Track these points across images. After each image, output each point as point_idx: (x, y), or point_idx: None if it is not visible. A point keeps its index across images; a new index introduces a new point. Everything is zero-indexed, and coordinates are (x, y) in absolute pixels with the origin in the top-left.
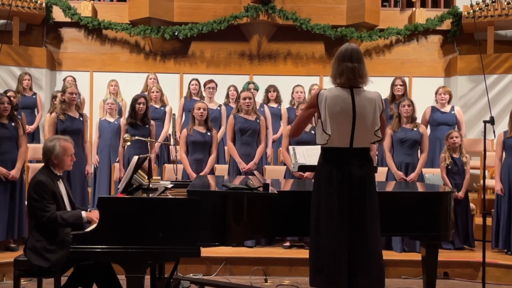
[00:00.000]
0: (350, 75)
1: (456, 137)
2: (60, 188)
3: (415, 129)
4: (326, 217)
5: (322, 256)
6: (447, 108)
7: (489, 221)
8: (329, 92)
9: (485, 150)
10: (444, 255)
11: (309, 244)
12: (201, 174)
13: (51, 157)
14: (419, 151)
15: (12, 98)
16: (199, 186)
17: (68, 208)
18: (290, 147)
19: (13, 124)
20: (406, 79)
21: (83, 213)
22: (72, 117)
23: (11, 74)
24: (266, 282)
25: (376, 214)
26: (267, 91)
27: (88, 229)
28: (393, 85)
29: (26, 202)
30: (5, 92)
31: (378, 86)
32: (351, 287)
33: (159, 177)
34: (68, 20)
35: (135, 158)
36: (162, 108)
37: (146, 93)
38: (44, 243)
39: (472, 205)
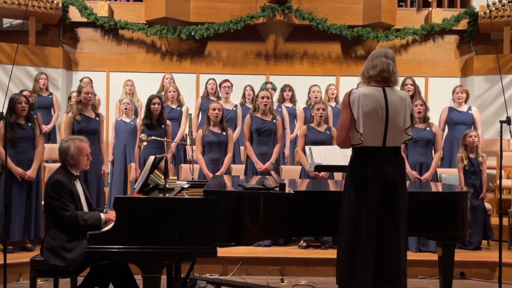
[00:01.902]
0: (385, 67)
1: (475, 136)
2: (77, 188)
3: (427, 128)
4: (357, 217)
5: (351, 257)
6: (464, 108)
7: (505, 221)
8: (361, 91)
9: (501, 150)
10: (461, 255)
11: (338, 244)
12: (217, 174)
13: (67, 158)
14: (433, 150)
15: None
16: (215, 186)
17: (85, 208)
18: (307, 147)
19: (29, 124)
20: (423, 79)
21: (102, 215)
22: (88, 117)
23: (27, 74)
24: (283, 282)
25: (406, 214)
26: (283, 90)
27: (105, 229)
28: (403, 85)
29: (42, 202)
30: (21, 92)
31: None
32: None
33: (176, 177)
34: (85, 20)
35: (152, 158)
36: (178, 108)
37: (163, 93)
38: (61, 242)
39: (488, 205)
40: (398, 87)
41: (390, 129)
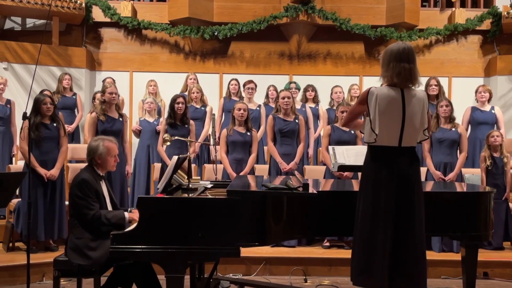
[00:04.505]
0: (408, 76)
1: (497, 136)
2: (102, 188)
3: (453, 129)
4: (373, 216)
5: (366, 255)
6: (487, 107)
7: None
8: (379, 91)
9: None
10: (484, 255)
11: (353, 242)
12: (241, 174)
13: (95, 157)
14: (458, 151)
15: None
16: (238, 186)
17: (110, 208)
18: (330, 147)
19: (54, 124)
20: (446, 79)
21: (126, 214)
22: (112, 117)
23: (50, 74)
24: (306, 282)
25: (422, 213)
26: (305, 90)
27: (128, 229)
28: (427, 85)
29: (66, 203)
30: (41, 91)
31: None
32: (394, 287)
33: (199, 177)
34: (108, 20)
35: (175, 158)
36: (202, 108)
37: (186, 93)
38: (85, 241)
39: None
40: (420, 86)
41: (406, 129)
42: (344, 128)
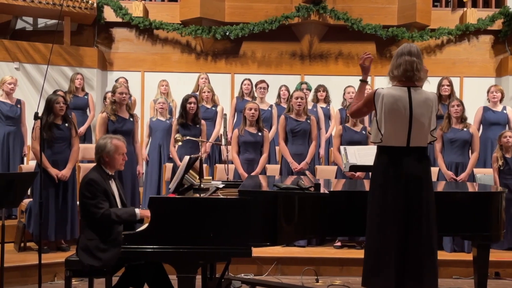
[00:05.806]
0: (408, 67)
1: (510, 136)
2: (112, 187)
3: (465, 129)
4: (382, 216)
5: (376, 256)
6: (499, 108)
7: None
8: (386, 91)
9: None
10: (495, 255)
11: (365, 243)
12: (253, 174)
13: (103, 155)
14: (470, 151)
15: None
16: (250, 186)
17: (120, 207)
18: (342, 147)
19: (66, 125)
20: (457, 79)
21: (137, 210)
22: (122, 117)
23: (62, 74)
24: (317, 282)
25: (433, 213)
26: (317, 91)
27: (139, 229)
28: (440, 85)
29: (78, 203)
30: (54, 92)
31: (429, 86)
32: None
33: (210, 177)
34: (119, 20)
35: (186, 158)
36: (213, 108)
37: (197, 93)
38: (96, 242)
39: None
40: (426, 83)
41: (414, 129)
42: (355, 129)
